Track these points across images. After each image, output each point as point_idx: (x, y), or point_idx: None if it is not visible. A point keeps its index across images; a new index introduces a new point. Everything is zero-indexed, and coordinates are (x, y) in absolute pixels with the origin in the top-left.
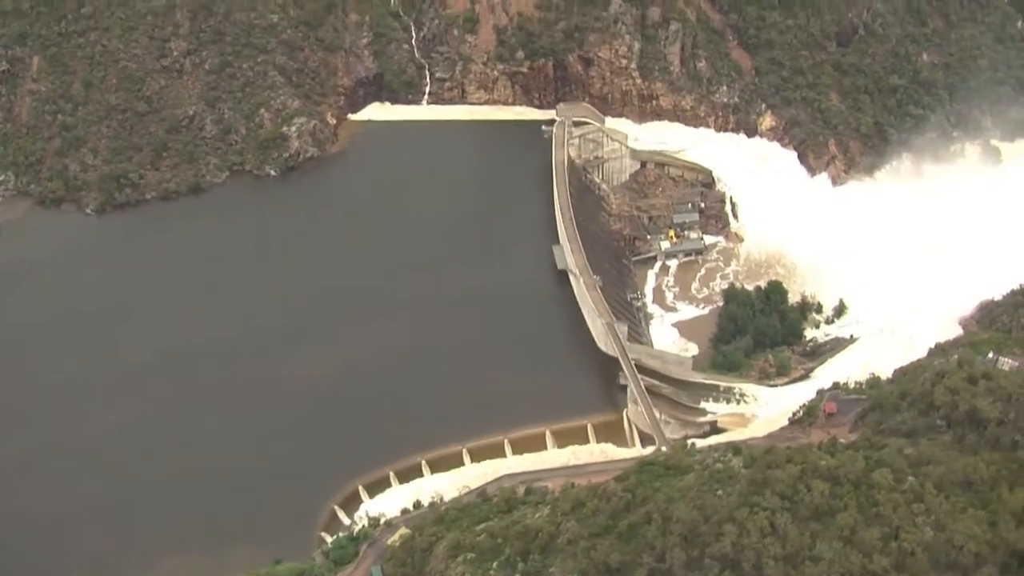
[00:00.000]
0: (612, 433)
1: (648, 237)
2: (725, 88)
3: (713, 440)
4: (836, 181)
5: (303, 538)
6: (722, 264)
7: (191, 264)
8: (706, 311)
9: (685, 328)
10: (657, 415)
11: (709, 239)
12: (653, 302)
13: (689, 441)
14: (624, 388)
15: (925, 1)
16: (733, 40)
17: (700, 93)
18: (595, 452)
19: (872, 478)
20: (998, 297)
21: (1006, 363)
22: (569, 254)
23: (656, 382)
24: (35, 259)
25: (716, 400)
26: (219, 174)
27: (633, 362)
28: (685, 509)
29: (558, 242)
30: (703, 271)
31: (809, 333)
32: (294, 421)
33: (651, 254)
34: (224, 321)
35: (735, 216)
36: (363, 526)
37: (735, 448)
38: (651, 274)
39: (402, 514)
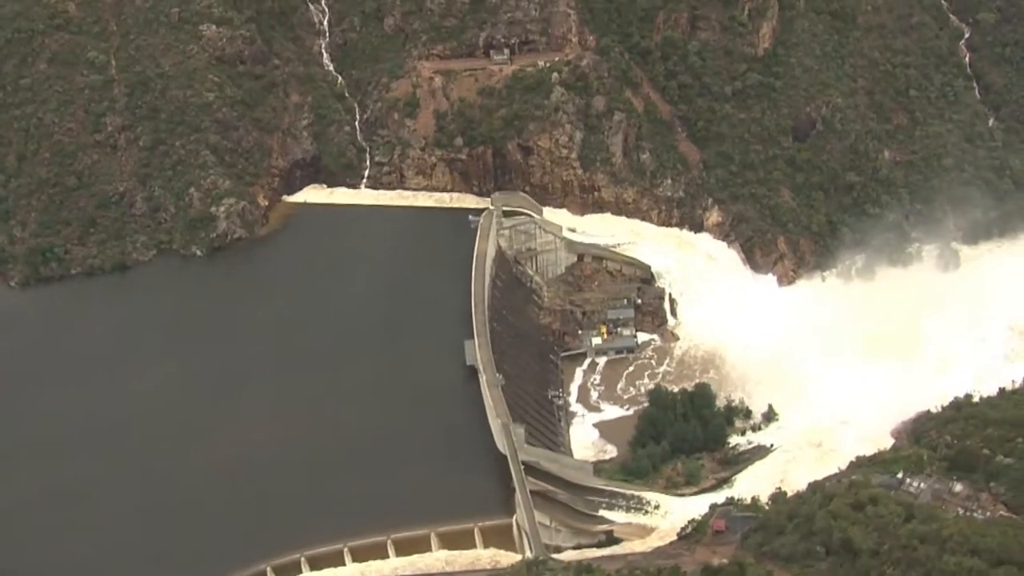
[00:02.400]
0: (501, 538)
1: (580, 332)
2: (670, 181)
3: (590, 553)
4: (783, 280)
5: None
6: (654, 363)
7: (96, 343)
8: (630, 412)
9: (606, 429)
10: (547, 522)
11: (643, 337)
12: (577, 401)
13: (544, 556)
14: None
15: (890, 97)
16: (682, 132)
17: (643, 186)
18: (480, 558)
19: None
20: (936, 408)
21: (912, 485)
22: (476, 349)
23: (551, 487)
24: None
25: (617, 509)
26: (146, 252)
27: (523, 465)
28: None
29: (472, 336)
30: (631, 370)
31: (734, 439)
32: (176, 511)
33: (581, 350)
34: (113, 403)
35: (673, 314)
36: None
37: (583, 569)
38: (579, 371)
39: None
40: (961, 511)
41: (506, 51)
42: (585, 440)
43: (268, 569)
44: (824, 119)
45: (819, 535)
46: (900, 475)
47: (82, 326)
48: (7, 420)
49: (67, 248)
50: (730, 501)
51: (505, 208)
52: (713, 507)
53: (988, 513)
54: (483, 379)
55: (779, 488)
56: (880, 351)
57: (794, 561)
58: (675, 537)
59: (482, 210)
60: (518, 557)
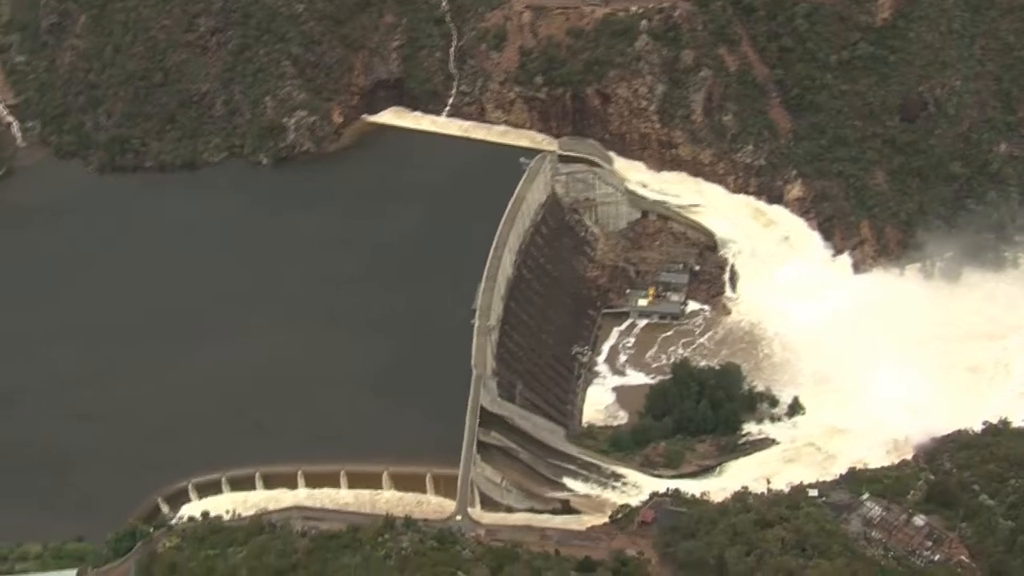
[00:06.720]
0: (452, 487)
1: (627, 291)
2: (752, 147)
3: (510, 519)
4: (859, 267)
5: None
6: (696, 333)
7: (150, 236)
8: (655, 380)
9: (624, 394)
10: (497, 480)
11: (694, 305)
12: (604, 361)
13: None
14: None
15: (1020, 86)
16: (775, 98)
17: (721, 148)
18: (422, 503)
19: None
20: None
21: (873, 510)
22: (479, 293)
23: (514, 445)
24: (27, 207)
25: (583, 479)
26: (217, 154)
27: (492, 417)
28: None
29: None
30: (666, 336)
31: (750, 427)
32: (160, 411)
33: (624, 309)
34: (137, 300)
35: (732, 286)
36: (139, 526)
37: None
38: (616, 331)
39: (188, 521)
40: (907, 549)
41: None
42: (599, 403)
43: (224, 479)
44: (937, 101)
45: (714, 547)
46: (865, 496)
47: (143, 218)
48: (50, 302)
49: (144, 141)
50: (669, 493)
51: (569, 153)
52: (652, 496)
53: (937, 556)
54: (475, 325)
55: (745, 487)
56: (950, 361)
57: (685, 568)
58: (607, 520)
59: (536, 152)
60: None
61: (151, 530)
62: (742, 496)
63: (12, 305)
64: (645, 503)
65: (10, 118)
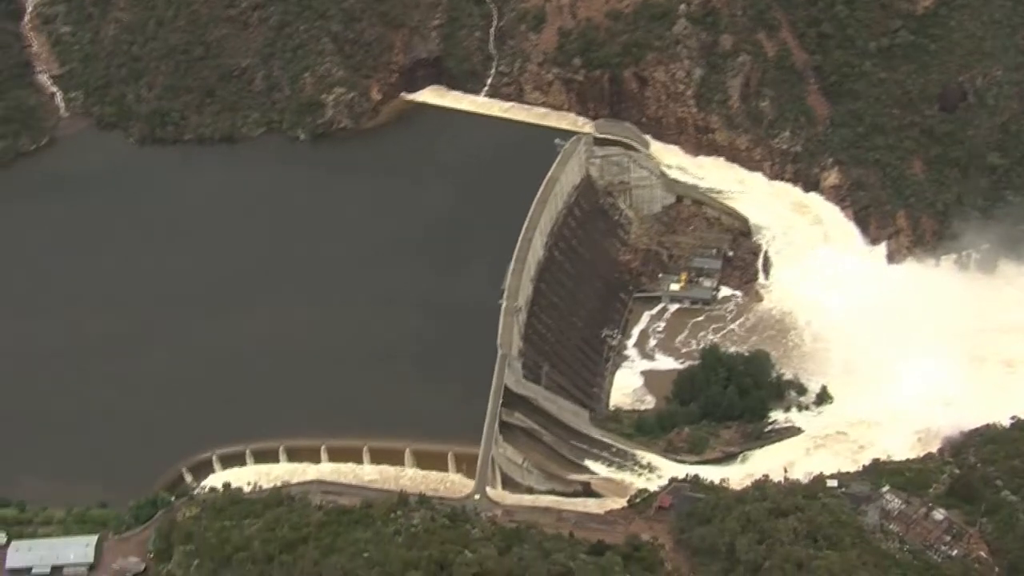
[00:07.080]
0: (473, 466)
1: (660, 276)
2: (788, 133)
3: (525, 500)
4: (894, 257)
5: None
6: (727, 319)
7: (185, 209)
8: (683, 365)
9: (652, 379)
10: (519, 460)
11: (726, 291)
12: (634, 345)
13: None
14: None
15: None
16: (813, 84)
17: (758, 134)
18: (444, 480)
19: None
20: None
21: (892, 502)
22: (508, 273)
23: (537, 427)
24: (68, 176)
25: (605, 462)
26: (255, 128)
27: (517, 398)
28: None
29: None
30: (697, 322)
31: (776, 415)
32: (192, 378)
33: (656, 294)
34: (171, 271)
35: (765, 273)
36: (161, 494)
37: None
38: (647, 315)
39: (210, 491)
40: (925, 543)
41: None
42: (627, 387)
43: (248, 450)
44: (977, 91)
45: (726, 534)
46: (885, 488)
47: (181, 190)
48: (87, 270)
49: (184, 114)
50: (688, 479)
51: (604, 136)
52: (671, 481)
53: (955, 552)
54: (503, 305)
55: (765, 476)
56: (984, 354)
57: (698, 554)
58: (625, 504)
59: (572, 134)
60: (490, 491)
61: (172, 499)
62: (761, 484)
63: (49, 272)
64: (664, 488)
65: (54, 88)
